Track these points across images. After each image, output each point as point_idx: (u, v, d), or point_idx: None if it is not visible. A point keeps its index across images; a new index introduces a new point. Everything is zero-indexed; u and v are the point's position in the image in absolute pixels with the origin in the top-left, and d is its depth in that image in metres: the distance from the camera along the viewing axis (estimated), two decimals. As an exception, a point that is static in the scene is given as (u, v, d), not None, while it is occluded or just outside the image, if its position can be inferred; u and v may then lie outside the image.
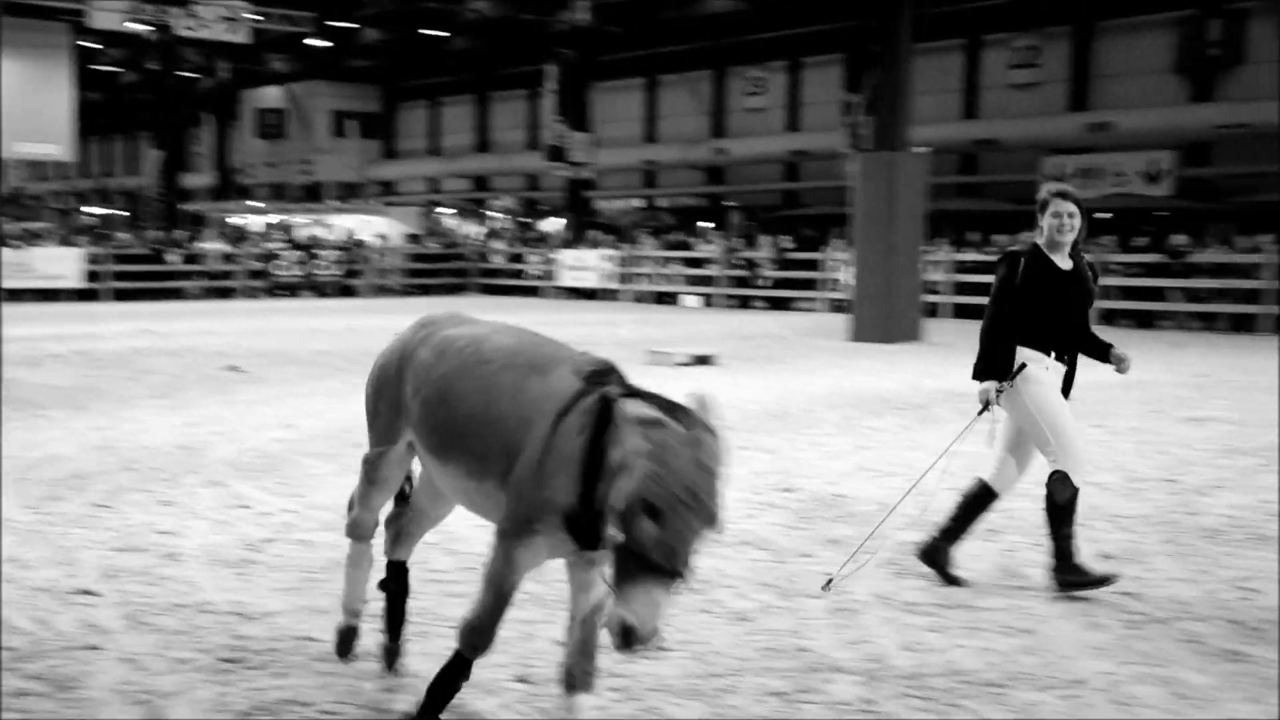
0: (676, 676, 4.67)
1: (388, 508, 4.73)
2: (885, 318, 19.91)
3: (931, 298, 23.81)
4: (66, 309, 26.79)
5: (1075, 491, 5.85)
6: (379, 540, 4.72)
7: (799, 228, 32.41)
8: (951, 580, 6.00)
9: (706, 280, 31.05)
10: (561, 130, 38.52)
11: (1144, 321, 23.43)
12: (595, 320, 24.62)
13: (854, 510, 7.61)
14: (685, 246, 32.61)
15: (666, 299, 31.65)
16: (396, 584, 4.62)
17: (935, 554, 6.06)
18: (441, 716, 4.01)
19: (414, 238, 39.27)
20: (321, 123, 51.46)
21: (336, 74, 49.65)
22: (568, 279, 33.59)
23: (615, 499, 3.34)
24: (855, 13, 30.46)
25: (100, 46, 42.93)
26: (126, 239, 34.81)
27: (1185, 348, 18.35)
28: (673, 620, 5.35)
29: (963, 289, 25.78)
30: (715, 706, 4.41)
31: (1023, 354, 5.87)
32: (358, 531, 4.63)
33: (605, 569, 3.72)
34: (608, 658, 4.06)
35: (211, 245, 34.15)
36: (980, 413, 5.93)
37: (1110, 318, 23.24)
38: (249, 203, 50.00)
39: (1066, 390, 5.97)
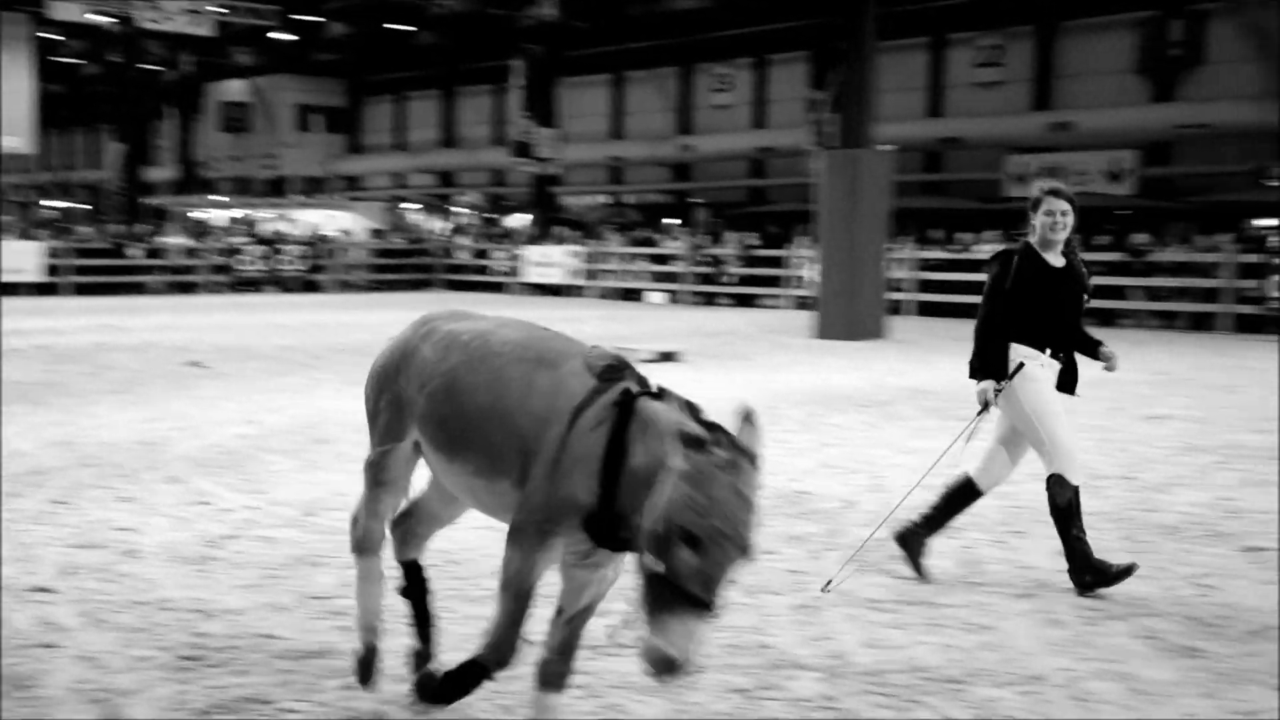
0: (638, 673, 4.64)
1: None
2: (850, 315, 19.98)
3: (896, 295, 23.91)
4: (26, 303, 26.53)
5: (1075, 491, 5.87)
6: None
7: (765, 225, 32.48)
8: (917, 569, 6.03)
9: (672, 277, 31.08)
10: (528, 126, 38.45)
11: (1105, 319, 23.58)
12: (560, 317, 24.56)
13: (817, 507, 7.63)
14: (651, 243, 32.63)
15: (632, 295, 31.65)
16: (415, 584, 4.43)
17: (910, 540, 6.08)
18: (410, 716, 4.02)
19: (379, 233, 39.11)
20: (286, 117, 51.17)
21: (301, 68, 49.37)
22: (533, 275, 33.54)
23: (649, 518, 3.25)
24: (821, 10, 30.50)
25: (61, 38, 42.56)
26: (87, 233, 34.51)
27: (1145, 346, 18.49)
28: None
29: (927, 287, 25.93)
30: (677, 703, 4.41)
31: (1017, 352, 5.89)
32: (366, 544, 4.38)
33: (603, 569, 3.72)
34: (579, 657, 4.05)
35: (174, 240, 33.90)
36: (980, 413, 5.93)
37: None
38: (212, 197, 49.65)
39: (1072, 387, 5.99)
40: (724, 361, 16.13)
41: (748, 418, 3.35)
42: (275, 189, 50.20)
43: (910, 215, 27.19)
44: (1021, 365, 5.86)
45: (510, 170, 41.90)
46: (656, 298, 31.26)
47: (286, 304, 27.97)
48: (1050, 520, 6.01)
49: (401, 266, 36.22)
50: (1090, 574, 5.81)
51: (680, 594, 3.13)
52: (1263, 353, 17.96)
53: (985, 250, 26.24)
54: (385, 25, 41.59)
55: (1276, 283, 21.54)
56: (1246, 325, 21.84)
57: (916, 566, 6.06)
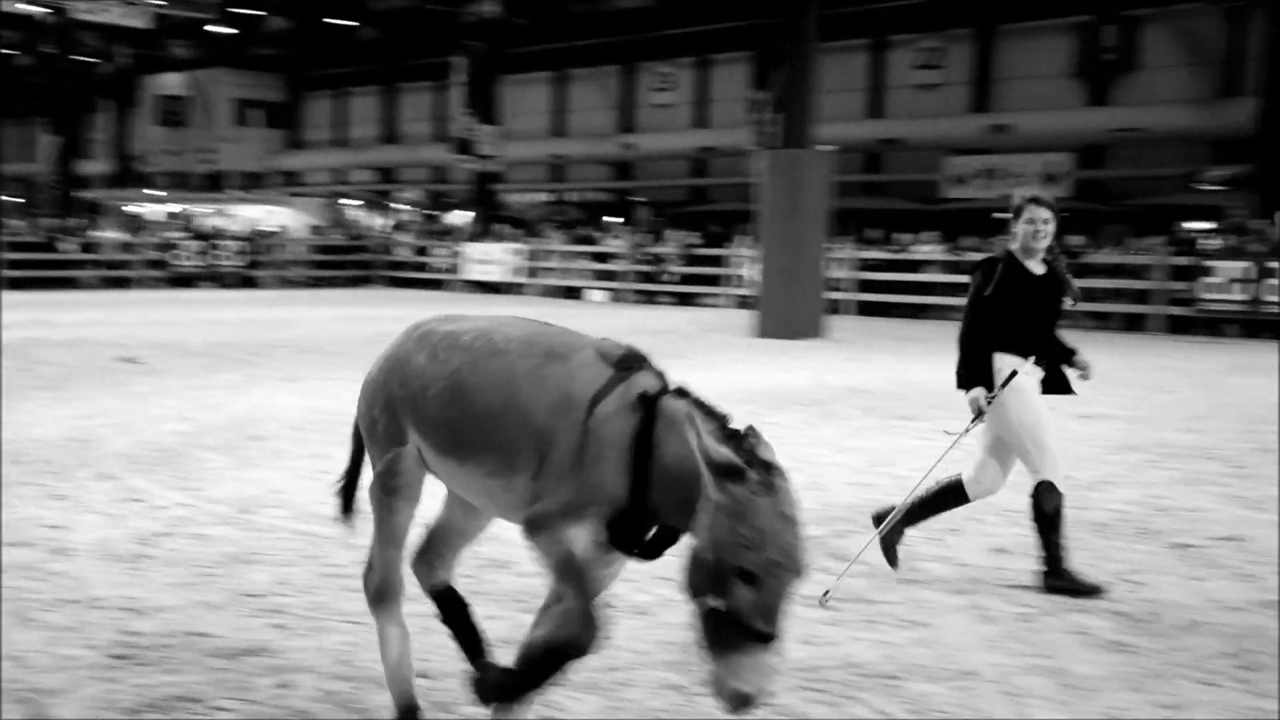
0: (574, 670, 4.66)
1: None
2: (789, 314, 20.08)
3: (835, 295, 24.06)
4: (-44, 298, 26.03)
5: (1061, 499, 5.91)
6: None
7: (706, 224, 32.56)
8: (891, 558, 6.06)
9: (613, 275, 31.08)
10: (469, 123, 38.29)
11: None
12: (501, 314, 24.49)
13: (755, 505, 7.64)
14: (592, 241, 32.61)
15: (573, 294, 31.61)
16: (453, 607, 4.12)
17: (889, 530, 6.09)
18: (344, 715, 3.98)
19: (318, 229, 38.79)
20: (224, 111, 50.62)
21: (240, 62, 48.84)
22: (474, 273, 33.41)
23: (701, 548, 3.18)
24: (763, 11, 30.64)
25: (-7, 28, 41.80)
26: (19, 226, 33.93)
27: (1079, 346, 18.73)
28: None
29: (866, 286, 26.12)
30: (612, 700, 4.42)
31: (1001, 360, 5.92)
32: (387, 590, 4.05)
33: (613, 565, 3.64)
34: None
35: (108, 234, 33.42)
36: (974, 421, 5.93)
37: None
38: (148, 191, 48.99)
39: (1066, 386, 6.03)
40: (664, 360, 16.08)
41: (751, 435, 3.29)
42: (213, 184, 49.64)
43: (850, 215, 27.39)
44: (1015, 373, 5.88)
45: (451, 167, 41.71)
46: (597, 296, 31.24)
47: (224, 300, 27.68)
48: (974, 516, 6.05)
49: (341, 263, 35.94)
50: (1065, 581, 5.87)
51: (744, 631, 3.10)
52: (1193, 353, 18.27)
53: (924, 251, 26.55)
54: (325, 20, 41.24)
55: (1206, 284, 21.89)
56: (1178, 326, 22.19)
57: (891, 556, 6.08)
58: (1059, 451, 6.02)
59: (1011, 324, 5.94)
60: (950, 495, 6.16)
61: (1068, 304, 6.20)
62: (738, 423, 3.39)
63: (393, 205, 45.61)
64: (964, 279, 23.89)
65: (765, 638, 3.11)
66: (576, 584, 3.52)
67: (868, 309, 25.56)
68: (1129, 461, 9.37)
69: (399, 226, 40.23)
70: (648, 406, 3.47)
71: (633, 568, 6.01)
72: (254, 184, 49.02)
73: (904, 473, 8.72)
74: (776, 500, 3.16)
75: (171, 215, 39.72)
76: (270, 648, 4.84)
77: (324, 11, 40.67)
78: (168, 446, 9.19)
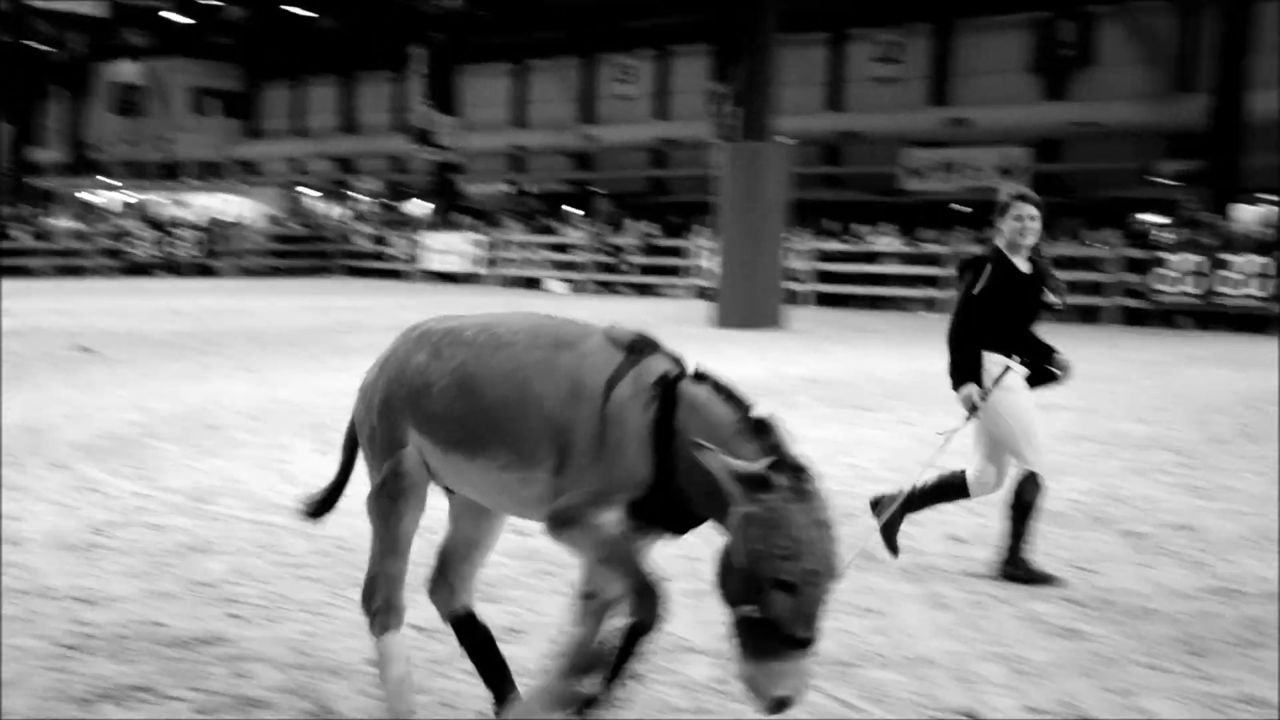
0: (531, 658, 4.66)
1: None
2: (748, 305, 20.14)
3: (794, 286, 24.14)
4: (-94, 286, 25.69)
5: (1041, 493, 5.95)
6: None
7: (665, 215, 32.59)
8: (891, 546, 6.08)
9: (573, 266, 31.05)
10: (428, 113, 38.11)
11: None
12: (460, 304, 24.43)
13: (713, 494, 7.66)
14: (552, 232, 32.57)
15: (533, 284, 31.56)
16: (476, 635, 3.96)
17: (893, 516, 6.08)
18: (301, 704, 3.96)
19: (276, 218, 38.53)
20: (180, 100, 50.12)
21: (197, 50, 48.36)
22: (433, 263, 33.29)
23: (735, 556, 3.15)
24: (723, 4, 30.66)
25: (-57, 14, 41.21)
26: (-29, 214, 33.53)
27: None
28: (528, 603, 5.37)
29: (824, 278, 26.22)
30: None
31: (989, 358, 5.93)
32: (391, 616, 3.88)
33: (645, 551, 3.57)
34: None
35: (62, 222, 33.06)
36: (969, 418, 5.94)
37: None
38: (103, 180, 48.48)
39: (1052, 377, 6.05)
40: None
41: (775, 427, 3.26)
42: (169, 173, 49.17)
43: (809, 207, 27.46)
44: (1007, 370, 5.91)
45: (410, 157, 41.51)
46: (557, 286, 31.21)
47: (180, 289, 27.45)
48: (964, 509, 6.08)
49: (299, 252, 35.74)
50: (1020, 570, 5.91)
51: (782, 638, 3.09)
52: (1147, 345, 18.45)
53: (882, 243, 26.67)
54: (283, 9, 40.90)
55: (1160, 277, 22.12)
56: (1132, 318, 22.42)
57: (892, 544, 6.10)
58: (1046, 448, 6.07)
59: (1001, 322, 5.96)
60: (951, 489, 6.16)
61: (1053, 303, 6.22)
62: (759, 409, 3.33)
63: (351, 195, 45.34)
64: (922, 271, 24.06)
65: (804, 643, 3.10)
66: (624, 564, 3.46)
67: (826, 300, 25.68)
68: (1083, 451, 9.46)
69: (358, 216, 40.02)
70: (666, 390, 3.42)
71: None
72: (211, 173, 48.58)
73: (863, 463, 8.78)
74: (809, 506, 3.12)
75: (127, 204, 39.36)
76: (226, 637, 4.81)
77: (282, 0, 40.34)
78: (122, 436, 9.11)
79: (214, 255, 33.73)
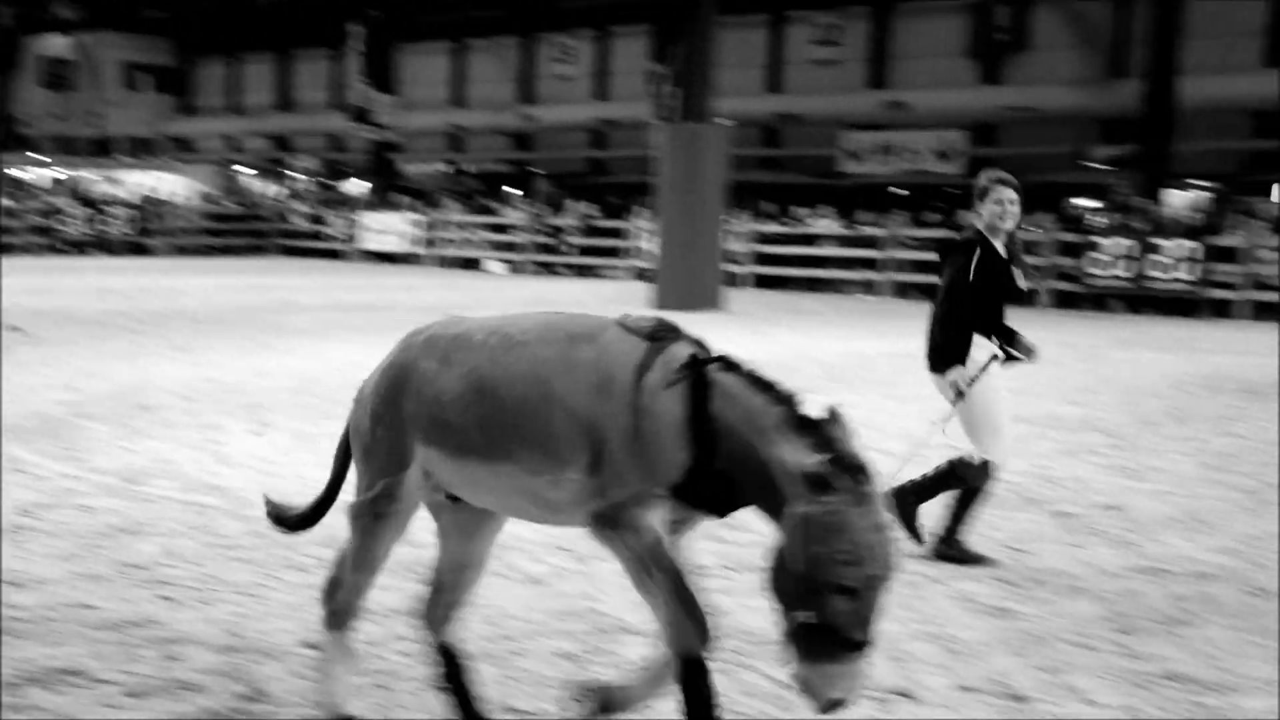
0: (468, 639, 4.65)
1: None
2: (687, 286, 20.16)
3: (733, 268, 24.20)
4: None
5: (990, 484, 6.01)
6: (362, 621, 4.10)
7: (605, 196, 32.54)
8: (914, 533, 6.09)
9: (512, 246, 30.93)
10: (366, 91, 37.74)
11: (932, 294, 24.24)
12: (397, 285, 24.29)
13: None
14: (491, 212, 32.42)
15: (471, 265, 31.41)
16: (458, 672, 3.84)
17: (903, 503, 6.04)
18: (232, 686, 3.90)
19: (211, 196, 38.03)
20: (112, 74, 49.26)
21: (129, 24, 47.55)
22: (371, 243, 33.03)
23: (791, 559, 3.05)
24: (662, -16, 30.63)
25: None
26: (-105, 190, 32.80)
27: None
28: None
29: (763, 260, 26.31)
30: (506, 669, 4.42)
31: (979, 343, 5.96)
32: (346, 615, 3.78)
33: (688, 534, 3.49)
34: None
35: (-11, 199, 32.42)
36: (956, 402, 5.96)
37: (903, 291, 24.03)
38: (32, 155, 47.57)
39: (1024, 353, 6.07)
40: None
41: (835, 417, 3.18)
42: (101, 149, 48.35)
43: (748, 189, 27.55)
44: (996, 356, 5.94)
45: (348, 136, 41.13)
46: (496, 267, 31.08)
47: (112, 268, 27.02)
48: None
49: (235, 231, 35.31)
50: (954, 550, 5.98)
51: (840, 641, 3.03)
52: (1079, 328, 18.68)
53: (820, 225, 26.79)
54: (218, -18, 40.31)
55: (1093, 260, 22.41)
56: (1065, 301, 22.69)
57: (914, 531, 6.10)
58: (1012, 440, 6.12)
59: (985, 305, 5.99)
60: (956, 475, 6.15)
61: (1023, 286, 6.27)
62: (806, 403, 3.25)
63: (288, 173, 44.85)
64: (860, 253, 24.10)
65: (861, 645, 3.06)
66: (669, 575, 3.32)
67: (765, 282, 25.77)
68: (1016, 433, 9.53)
69: (294, 195, 39.60)
70: (697, 373, 3.33)
71: (530, 538, 6.04)
72: (144, 150, 47.83)
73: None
74: (870, 509, 3.03)
75: (57, 181, 38.65)
76: (156, 619, 4.76)
77: (216, -26, 39.77)
78: (52, 416, 8.97)
79: (147, 233, 33.23)
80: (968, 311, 5.98)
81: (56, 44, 49.78)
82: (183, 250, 33.35)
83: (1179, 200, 25.76)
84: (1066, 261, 22.94)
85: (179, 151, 48.53)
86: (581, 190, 34.57)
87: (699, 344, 3.46)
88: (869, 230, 25.58)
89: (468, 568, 3.86)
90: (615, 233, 29.27)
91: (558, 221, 30.32)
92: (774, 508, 3.18)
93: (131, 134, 48.77)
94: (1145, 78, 26.39)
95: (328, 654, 3.81)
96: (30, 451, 7.75)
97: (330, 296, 20.36)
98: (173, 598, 5.07)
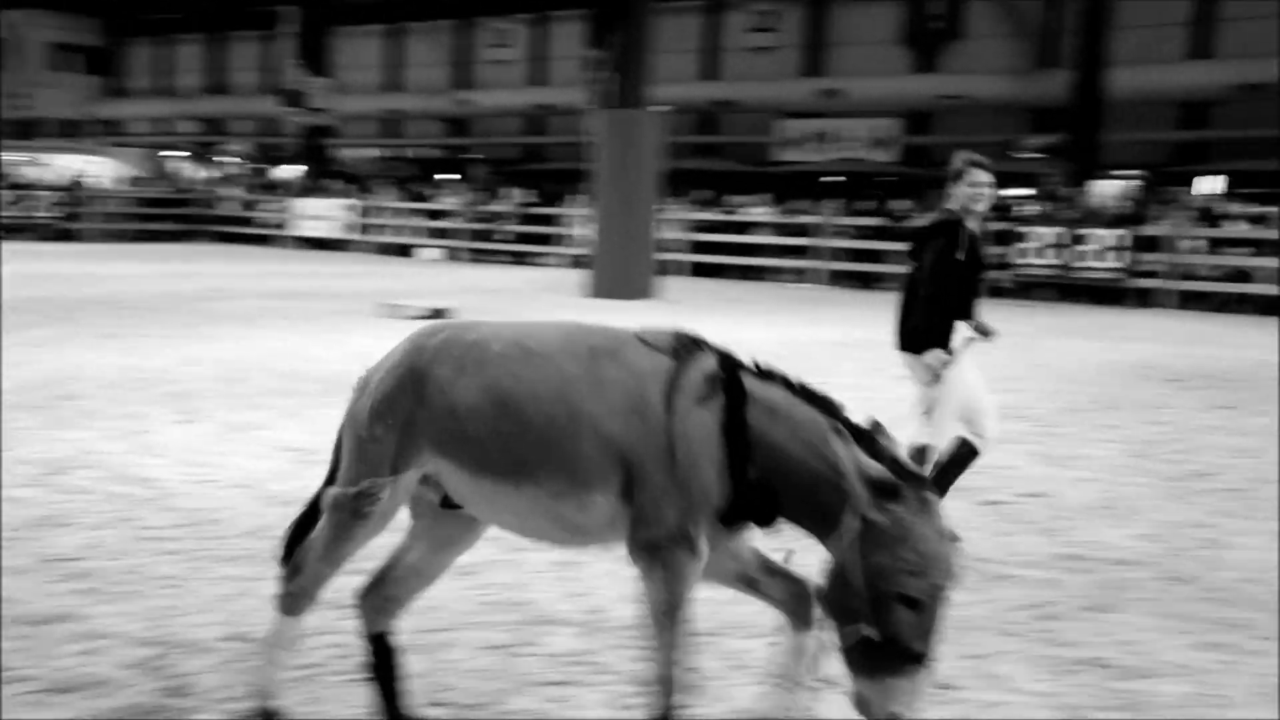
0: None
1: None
2: (622, 274, 20.16)
3: (668, 255, 24.23)
4: None
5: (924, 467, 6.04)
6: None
7: (542, 182, 32.45)
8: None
9: (447, 233, 30.75)
10: (300, 75, 37.32)
11: (868, 282, 24.45)
12: (331, 271, 24.09)
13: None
14: (426, 198, 32.21)
15: (406, 251, 31.21)
16: (387, 663, 3.75)
17: None
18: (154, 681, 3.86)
19: (140, 181, 37.46)
20: (38, 55, 48.37)
21: (56, 3, 46.69)
22: (305, 228, 32.71)
23: (851, 572, 3.01)
24: (599, -31, 30.55)
25: None
26: None
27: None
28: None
29: (698, 247, 26.35)
30: (434, 660, 4.40)
31: (958, 325, 6.03)
32: (303, 600, 3.65)
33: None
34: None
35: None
36: (930, 384, 6.00)
37: (837, 279, 24.18)
38: (-46, 137, 46.64)
39: (983, 333, 6.16)
40: (493, 319, 16.06)
41: (880, 427, 3.14)
42: (26, 131, 47.46)
43: (683, 176, 27.60)
44: (974, 338, 5.99)
45: (281, 120, 40.69)
46: (431, 254, 30.90)
47: (38, 253, 26.54)
48: None
49: (164, 216, 34.82)
50: None
51: (903, 655, 2.98)
52: (1008, 316, 18.87)
53: (755, 213, 26.88)
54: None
55: (1021, 250, 22.68)
56: (994, 290, 22.91)
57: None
58: (951, 431, 6.18)
59: (964, 287, 6.05)
60: (965, 457, 6.20)
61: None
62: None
63: (219, 158, 44.30)
64: (794, 241, 24.20)
65: (925, 660, 3.00)
66: (674, 632, 3.28)
67: (700, 270, 25.82)
68: (913, 429, 9.65)
69: (226, 180, 39.11)
70: (729, 388, 3.25)
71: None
72: (71, 132, 47.03)
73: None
74: (934, 518, 2.99)
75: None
76: (77, 614, 4.69)
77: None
78: (-27, 406, 8.80)
79: (75, 218, 32.67)
80: (952, 293, 6.03)
81: (-21, 22, 48.85)
82: (111, 236, 32.82)
83: (1106, 189, 26.11)
84: (996, 250, 23.16)
85: (108, 134, 47.78)
86: (518, 176, 34.47)
87: (724, 353, 3.39)
88: (803, 218, 25.70)
89: (421, 576, 3.78)
90: (551, 220, 29.19)
91: (493, 208, 30.18)
92: (820, 523, 3.14)
93: (59, 116, 47.95)
94: (1075, 68, 26.73)
95: (272, 639, 3.72)
96: (-50, 442, 7.60)
97: (261, 283, 20.14)
98: (95, 590, 5.00)
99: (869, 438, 3.11)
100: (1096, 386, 11.84)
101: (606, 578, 5.43)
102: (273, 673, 3.70)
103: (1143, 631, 4.99)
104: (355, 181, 35.33)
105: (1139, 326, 17.87)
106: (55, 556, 5.43)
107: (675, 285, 21.97)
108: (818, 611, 3.34)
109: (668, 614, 3.27)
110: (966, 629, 4.95)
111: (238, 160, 43.60)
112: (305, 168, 37.61)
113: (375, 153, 42.98)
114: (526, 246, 29.43)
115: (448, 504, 3.63)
